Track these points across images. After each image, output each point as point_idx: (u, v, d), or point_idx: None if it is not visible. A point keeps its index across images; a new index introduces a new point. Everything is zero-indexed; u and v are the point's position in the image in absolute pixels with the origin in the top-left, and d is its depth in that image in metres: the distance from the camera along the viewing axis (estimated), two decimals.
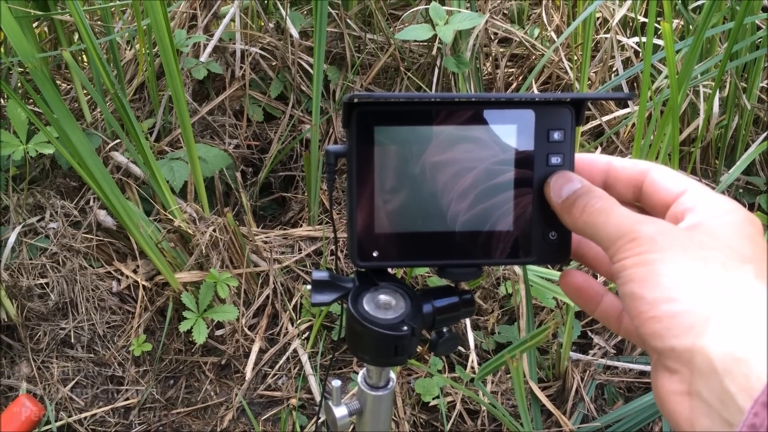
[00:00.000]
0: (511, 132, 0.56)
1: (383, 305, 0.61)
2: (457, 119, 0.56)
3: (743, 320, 0.35)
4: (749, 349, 0.33)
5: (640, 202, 0.48)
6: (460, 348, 1.49)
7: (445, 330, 0.64)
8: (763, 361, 0.33)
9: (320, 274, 0.63)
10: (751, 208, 1.73)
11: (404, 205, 0.57)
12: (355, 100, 0.54)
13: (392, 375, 0.71)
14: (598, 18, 1.92)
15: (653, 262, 0.39)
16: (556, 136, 0.56)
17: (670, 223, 0.43)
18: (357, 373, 1.47)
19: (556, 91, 1.96)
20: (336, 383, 0.71)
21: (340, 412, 0.72)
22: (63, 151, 1.32)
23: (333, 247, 1.64)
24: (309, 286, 0.68)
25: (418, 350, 1.46)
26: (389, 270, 0.64)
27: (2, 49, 1.61)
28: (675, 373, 0.37)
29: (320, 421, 1.42)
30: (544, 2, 1.98)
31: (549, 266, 1.34)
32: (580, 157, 0.52)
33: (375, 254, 0.58)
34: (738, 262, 0.38)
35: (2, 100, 1.74)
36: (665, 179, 0.45)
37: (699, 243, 0.39)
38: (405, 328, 0.59)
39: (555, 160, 0.57)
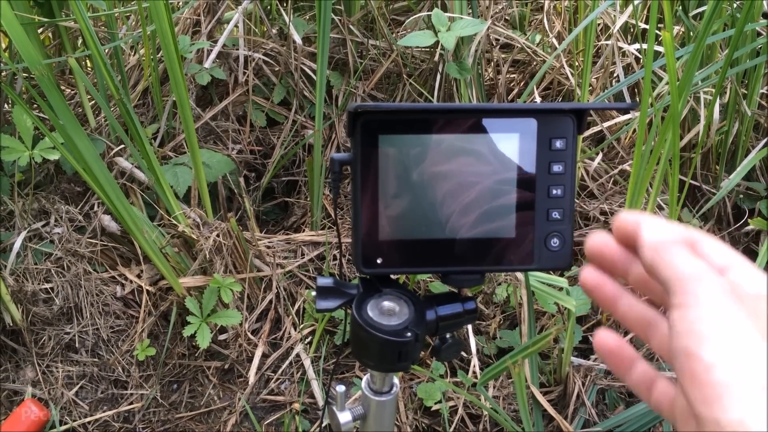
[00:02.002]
0: (513, 140, 0.57)
1: (387, 311, 0.62)
2: (460, 128, 0.57)
3: None
4: None
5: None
6: (462, 353, 1.50)
7: (448, 336, 0.65)
8: None
9: (325, 281, 0.64)
10: (751, 213, 1.74)
11: (408, 213, 0.58)
12: (359, 111, 0.55)
13: (396, 380, 0.72)
14: (599, 24, 1.93)
15: (716, 322, 0.37)
16: (558, 144, 0.57)
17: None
18: (360, 378, 1.48)
19: (558, 97, 1.97)
20: (340, 388, 0.72)
21: (344, 417, 0.72)
22: (68, 157, 1.33)
23: (337, 252, 1.65)
24: (314, 292, 0.69)
25: (420, 355, 1.46)
26: (392, 276, 0.65)
27: (7, 55, 1.62)
28: None
29: (323, 425, 1.43)
30: (545, 8, 1.99)
31: (550, 272, 1.35)
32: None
33: (379, 261, 0.59)
34: None
35: (6, 106, 1.76)
36: (715, 253, 0.43)
37: (763, 313, 0.37)
38: (409, 334, 0.60)
39: (557, 168, 0.57)
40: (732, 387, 0.35)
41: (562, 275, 1.33)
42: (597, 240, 0.46)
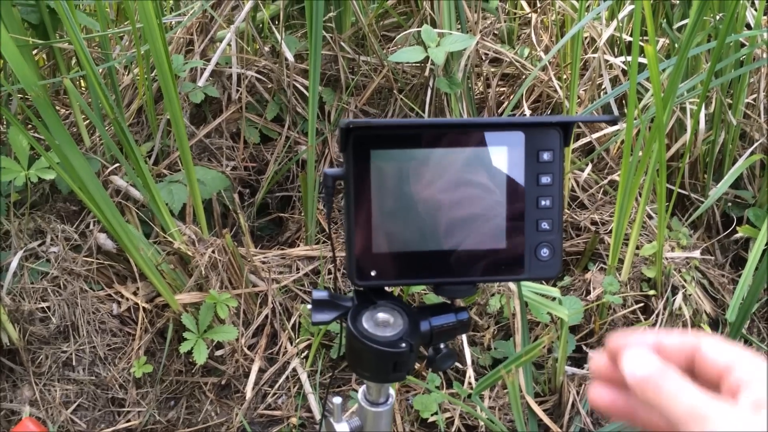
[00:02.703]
0: (502, 153, 0.59)
1: (382, 323, 0.63)
2: (450, 142, 0.58)
3: None
4: None
5: (693, 377, 0.47)
6: (457, 364, 1.51)
7: (442, 346, 0.66)
8: None
9: (320, 294, 0.65)
10: (740, 221, 1.77)
11: (400, 226, 0.59)
12: (351, 126, 0.57)
13: (392, 391, 0.73)
14: (586, 38, 1.96)
15: None
16: (546, 156, 0.59)
17: (726, 394, 0.43)
18: (356, 391, 1.48)
19: (547, 110, 2.00)
20: (337, 400, 0.73)
21: (341, 428, 0.73)
22: (65, 176, 1.34)
23: (331, 267, 1.66)
24: (309, 306, 0.70)
25: (416, 366, 1.47)
26: (387, 288, 0.66)
27: (2, 75, 1.63)
28: None
29: None
30: (533, 23, 2.03)
31: (542, 282, 1.37)
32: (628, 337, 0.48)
33: (373, 273, 0.60)
34: None
35: (1, 127, 1.77)
36: (714, 353, 0.45)
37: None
38: (403, 344, 0.61)
39: (545, 179, 0.59)
40: None
41: (554, 285, 1.35)
42: (594, 365, 0.48)
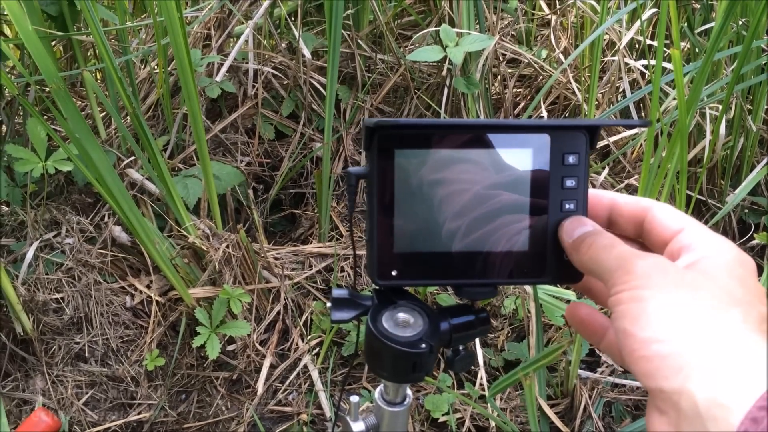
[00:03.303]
0: (527, 155, 0.58)
1: (402, 323, 0.62)
2: (474, 143, 0.58)
3: (728, 365, 0.36)
4: (731, 394, 0.34)
5: (641, 238, 0.50)
6: None
7: (461, 347, 0.66)
8: (741, 407, 0.34)
9: (340, 292, 0.65)
10: (756, 228, 1.75)
11: (423, 226, 0.59)
12: (377, 126, 0.56)
13: (409, 392, 0.73)
14: (605, 40, 1.95)
15: (645, 299, 0.39)
16: (571, 159, 0.58)
17: (667, 259, 0.44)
18: (367, 390, 1.48)
19: (564, 112, 1.99)
20: (354, 398, 0.73)
21: (357, 427, 0.73)
22: (82, 168, 1.35)
23: (345, 264, 1.66)
24: (328, 303, 0.70)
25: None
26: (406, 288, 0.66)
27: (21, 66, 1.64)
28: (664, 413, 0.38)
29: None
30: (551, 24, 2.01)
31: (561, 286, 1.36)
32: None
33: (394, 273, 0.60)
34: (727, 305, 0.39)
35: (17, 118, 1.78)
36: (665, 217, 0.46)
37: (692, 282, 0.40)
38: (423, 345, 0.61)
39: (570, 183, 0.58)
40: (667, 359, 0.37)
41: (568, 288, 1.34)
42: (568, 312, 0.52)
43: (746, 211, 1.79)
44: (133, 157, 1.71)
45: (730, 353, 0.36)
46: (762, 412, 0.33)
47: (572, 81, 1.91)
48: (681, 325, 0.38)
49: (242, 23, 1.87)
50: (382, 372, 0.65)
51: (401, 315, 0.63)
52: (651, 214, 0.47)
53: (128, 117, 1.60)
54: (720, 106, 1.63)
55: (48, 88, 1.30)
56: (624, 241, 0.50)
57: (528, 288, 1.43)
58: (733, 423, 0.34)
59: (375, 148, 0.57)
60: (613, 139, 1.83)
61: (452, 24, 1.75)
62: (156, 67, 1.81)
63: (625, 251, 0.43)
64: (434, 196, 0.58)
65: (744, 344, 0.37)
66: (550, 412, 1.37)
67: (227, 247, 1.51)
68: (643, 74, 1.88)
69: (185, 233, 1.51)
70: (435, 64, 1.88)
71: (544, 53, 2.08)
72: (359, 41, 1.89)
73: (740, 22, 1.58)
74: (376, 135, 0.56)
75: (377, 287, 0.62)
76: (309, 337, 1.57)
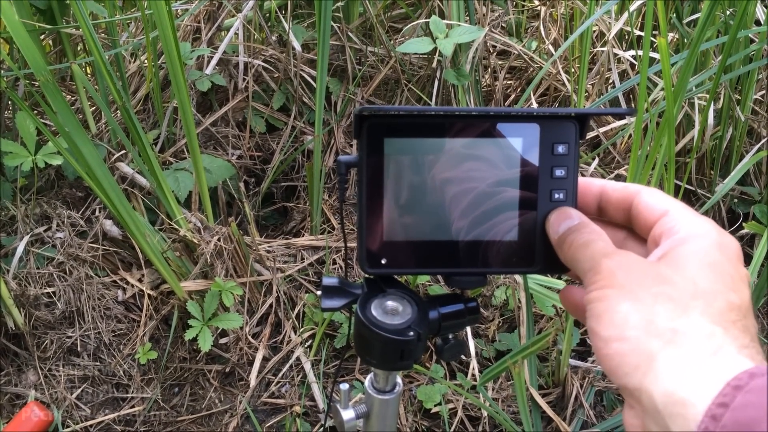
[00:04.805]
0: (516, 145, 0.58)
1: (391, 311, 0.63)
2: (464, 132, 0.58)
3: (683, 360, 0.36)
4: (687, 390, 0.35)
5: (630, 224, 0.49)
6: (461, 355, 1.51)
7: (450, 336, 0.66)
8: (701, 404, 0.34)
9: (330, 280, 0.65)
10: (746, 217, 1.76)
11: (413, 214, 0.59)
12: (365, 113, 0.56)
13: (399, 380, 0.73)
14: (594, 31, 1.95)
15: (608, 298, 0.40)
16: (561, 149, 0.58)
17: (651, 245, 0.44)
18: (359, 381, 1.49)
19: (554, 103, 1.99)
20: (344, 387, 0.73)
21: (347, 414, 0.74)
22: (72, 162, 1.34)
23: (336, 257, 1.66)
24: (319, 292, 0.70)
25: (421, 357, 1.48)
26: (396, 277, 0.66)
27: (10, 59, 1.63)
28: (632, 408, 0.39)
29: (325, 426, 1.44)
30: (541, 16, 2.02)
31: (551, 275, 1.37)
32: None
33: (383, 261, 0.60)
34: (689, 298, 0.38)
35: (6, 112, 1.77)
36: (650, 201, 0.46)
37: (656, 277, 0.40)
38: (411, 333, 0.61)
39: (559, 172, 0.59)
40: (626, 357, 0.38)
41: (560, 278, 1.35)
42: (561, 296, 0.52)
43: (735, 200, 1.81)
44: (123, 151, 1.70)
45: (686, 347, 0.36)
46: (721, 408, 0.33)
47: (562, 72, 1.92)
48: (639, 323, 0.38)
49: (232, 16, 1.87)
50: (371, 359, 0.65)
51: (390, 303, 0.63)
52: (638, 199, 0.47)
53: (118, 111, 1.60)
54: (708, 96, 1.63)
55: (37, 82, 1.29)
56: (614, 229, 0.50)
57: (518, 278, 1.44)
58: (693, 420, 0.34)
59: (365, 137, 0.57)
60: (602, 129, 1.84)
61: (442, 16, 1.75)
62: (146, 61, 1.80)
63: (597, 250, 0.43)
64: (424, 185, 0.58)
65: (701, 338, 0.37)
66: (541, 401, 1.38)
67: (219, 240, 1.51)
68: (632, 65, 1.89)
69: (176, 226, 1.51)
70: (425, 56, 1.88)
71: (534, 45, 2.09)
72: (349, 34, 1.88)
73: (728, 12, 1.58)
74: (365, 123, 0.57)
75: (367, 275, 0.63)
76: (301, 329, 1.57)
